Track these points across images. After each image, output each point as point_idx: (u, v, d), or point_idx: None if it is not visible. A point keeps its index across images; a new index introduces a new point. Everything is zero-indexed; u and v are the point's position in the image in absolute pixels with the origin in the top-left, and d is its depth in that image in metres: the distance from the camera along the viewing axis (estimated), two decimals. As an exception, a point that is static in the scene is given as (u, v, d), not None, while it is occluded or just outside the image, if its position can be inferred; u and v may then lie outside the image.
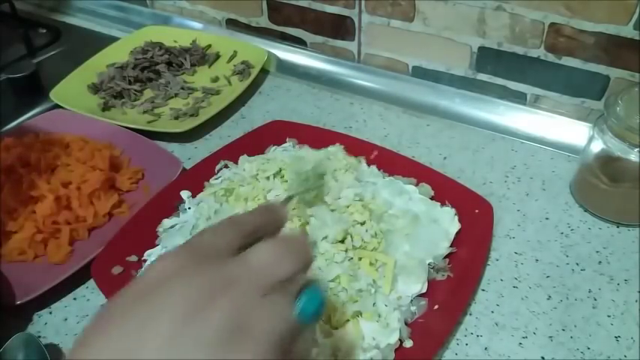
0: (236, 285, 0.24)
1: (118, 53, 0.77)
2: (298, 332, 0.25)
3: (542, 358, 0.42)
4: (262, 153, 0.57)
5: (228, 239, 0.27)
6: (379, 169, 0.55)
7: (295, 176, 0.44)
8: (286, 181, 0.52)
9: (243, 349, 0.23)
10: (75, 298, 0.47)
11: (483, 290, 0.47)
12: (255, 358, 0.23)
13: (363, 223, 0.47)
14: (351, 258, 0.45)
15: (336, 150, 0.56)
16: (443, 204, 0.51)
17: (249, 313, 0.24)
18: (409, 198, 0.51)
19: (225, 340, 0.23)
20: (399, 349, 0.41)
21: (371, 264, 0.45)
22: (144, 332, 0.23)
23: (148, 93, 0.72)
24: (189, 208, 0.51)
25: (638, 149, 0.48)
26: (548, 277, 0.48)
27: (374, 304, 0.42)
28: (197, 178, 0.55)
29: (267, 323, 0.24)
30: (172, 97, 0.71)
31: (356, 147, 0.57)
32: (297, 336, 0.25)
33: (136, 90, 0.71)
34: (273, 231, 0.30)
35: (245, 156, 0.56)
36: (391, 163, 0.55)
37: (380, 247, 0.46)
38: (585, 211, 0.54)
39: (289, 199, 0.36)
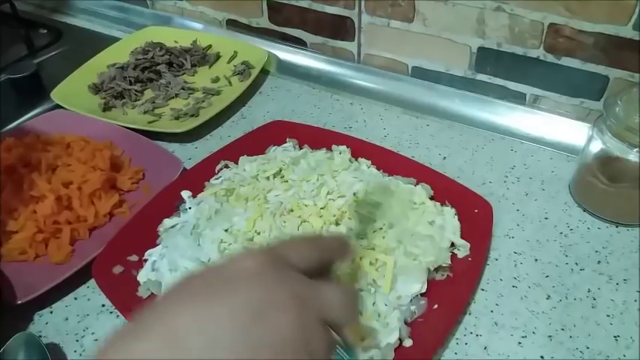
0: (305, 305, 0.27)
1: (118, 54, 0.77)
2: None
3: (542, 357, 0.42)
4: (262, 153, 0.58)
5: (309, 259, 0.30)
6: (379, 169, 0.55)
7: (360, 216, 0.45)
8: (287, 181, 0.52)
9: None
10: (76, 298, 0.48)
11: (483, 290, 0.47)
12: None
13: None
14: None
15: (342, 150, 0.56)
16: (442, 204, 0.51)
17: (311, 333, 0.27)
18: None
19: (287, 350, 0.25)
20: (399, 349, 0.41)
21: (371, 263, 0.45)
22: (211, 334, 0.24)
23: (149, 93, 0.72)
24: (189, 208, 0.51)
25: (637, 149, 0.48)
26: (547, 276, 0.48)
27: (374, 303, 0.42)
28: (197, 178, 0.55)
29: (322, 350, 0.27)
30: (173, 98, 0.71)
31: (356, 147, 0.57)
32: None
33: (136, 90, 0.71)
34: (342, 261, 0.33)
35: (245, 156, 0.57)
36: (391, 163, 0.56)
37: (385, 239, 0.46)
38: (584, 211, 0.54)
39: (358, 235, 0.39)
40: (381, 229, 0.47)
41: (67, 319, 0.46)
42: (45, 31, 0.86)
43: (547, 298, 0.46)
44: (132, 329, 0.25)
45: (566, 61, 0.61)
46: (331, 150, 0.57)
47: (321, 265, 0.31)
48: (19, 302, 0.45)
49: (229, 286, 0.26)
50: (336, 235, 0.37)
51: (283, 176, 0.53)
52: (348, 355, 0.30)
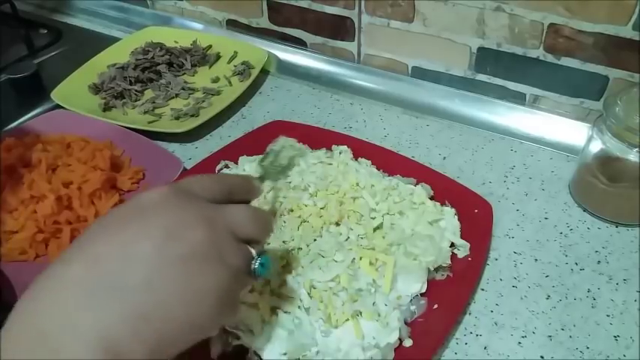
0: (214, 224, 0.30)
1: (118, 54, 0.77)
2: (248, 281, 0.33)
3: (542, 357, 0.42)
4: (262, 153, 0.58)
5: (212, 190, 0.32)
6: (379, 169, 0.55)
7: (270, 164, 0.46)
8: (289, 181, 0.52)
9: (213, 271, 0.29)
10: (76, 298, 0.48)
11: (483, 290, 0.47)
12: (219, 281, 0.29)
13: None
14: (350, 249, 0.45)
15: (342, 150, 0.56)
16: (442, 204, 0.51)
17: (223, 246, 0.30)
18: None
19: (199, 259, 0.28)
20: (399, 349, 0.41)
21: (371, 263, 0.45)
22: (127, 253, 0.27)
23: (149, 93, 0.72)
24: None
25: (637, 149, 0.48)
26: (547, 276, 0.48)
27: (374, 303, 0.42)
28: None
29: (236, 259, 0.30)
30: (173, 98, 0.71)
31: (356, 147, 0.57)
32: (245, 283, 0.33)
33: (136, 90, 0.71)
34: (247, 199, 0.36)
35: (245, 156, 0.57)
36: (391, 163, 0.56)
37: (385, 239, 0.46)
38: (584, 211, 0.54)
39: (262, 179, 0.40)
40: (381, 228, 0.47)
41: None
42: (45, 31, 0.86)
43: (547, 298, 0.46)
44: (60, 258, 0.28)
45: (566, 61, 0.61)
46: (331, 150, 0.57)
47: (225, 198, 0.33)
48: (20, 302, 0.44)
49: (140, 214, 0.29)
50: (243, 175, 0.40)
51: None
52: (267, 265, 0.33)
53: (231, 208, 0.32)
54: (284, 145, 0.48)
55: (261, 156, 0.47)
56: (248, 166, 0.55)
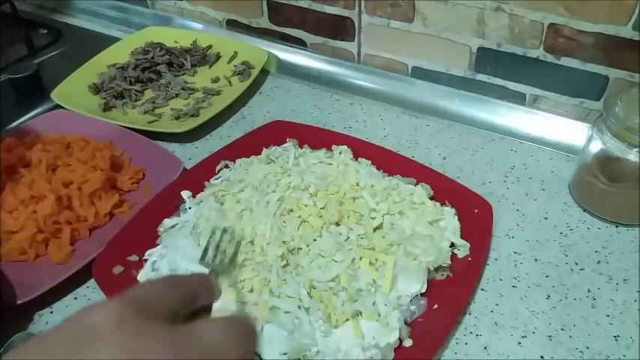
0: (183, 352, 0.23)
1: (118, 54, 0.77)
2: None
3: (542, 357, 0.42)
4: (261, 153, 0.58)
5: (173, 301, 0.26)
6: (379, 169, 0.55)
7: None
8: (288, 182, 0.52)
9: None
10: (76, 298, 0.48)
11: (483, 290, 0.47)
12: None
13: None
14: (350, 249, 0.45)
15: (342, 150, 0.56)
16: (442, 204, 0.51)
17: None
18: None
19: None
20: (399, 349, 0.41)
21: (371, 263, 0.45)
22: None
23: (149, 93, 0.72)
24: (189, 208, 0.51)
25: (636, 149, 0.48)
26: (547, 276, 0.48)
27: (374, 303, 0.42)
28: (197, 178, 0.55)
29: None
30: (173, 98, 0.71)
31: (356, 147, 0.57)
32: None
33: (136, 90, 0.71)
34: (209, 302, 0.30)
35: (244, 158, 0.56)
36: (391, 163, 0.56)
37: (385, 238, 0.46)
38: (584, 211, 0.54)
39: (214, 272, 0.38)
40: (381, 228, 0.47)
41: (67, 319, 0.46)
42: (45, 31, 0.86)
43: (547, 298, 0.46)
44: None
45: (566, 61, 0.61)
46: (331, 150, 0.57)
47: (188, 308, 0.28)
48: (20, 302, 0.45)
49: (88, 344, 0.22)
50: (199, 274, 0.34)
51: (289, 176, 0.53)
52: None
53: (206, 329, 0.25)
54: (217, 233, 0.43)
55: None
56: (249, 167, 0.55)
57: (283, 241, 0.46)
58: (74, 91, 0.70)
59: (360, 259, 0.45)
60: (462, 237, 0.48)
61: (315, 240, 0.46)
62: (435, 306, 0.44)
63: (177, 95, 0.71)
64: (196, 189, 0.53)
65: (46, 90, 0.70)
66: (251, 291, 0.43)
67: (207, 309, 0.30)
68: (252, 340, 0.27)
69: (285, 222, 0.48)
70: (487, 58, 0.66)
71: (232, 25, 0.83)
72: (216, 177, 0.55)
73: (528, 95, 0.66)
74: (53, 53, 0.81)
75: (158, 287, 0.27)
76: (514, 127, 0.64)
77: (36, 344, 0.24)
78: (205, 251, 0.41)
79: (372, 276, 0.44)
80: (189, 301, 0.28)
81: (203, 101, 0.69)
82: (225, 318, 0.27)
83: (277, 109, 0.69)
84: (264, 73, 0.75)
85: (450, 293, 0.45)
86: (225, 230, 0.44)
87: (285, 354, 0.39)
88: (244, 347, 0.26)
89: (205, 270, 0.39)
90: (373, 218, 0.48)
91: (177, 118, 0.66)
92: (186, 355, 0.23)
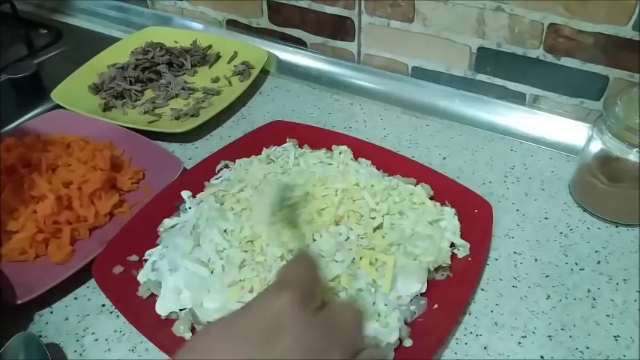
0: (340, 343, 0.29)
1: (118, 54, 0.77)
2: None
3: (542, 357, 0.42)
4: (261, 153, 0.58)
5: (312, 284, 0.31)
6: (379, 169, 0.55)
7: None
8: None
9: None
10: (76, 298, 0.48)
11: (483, 290, 0.47)
12: None
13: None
14: (350, 249, 0.45)
15: (342, 150, 0.56)
16: (442, 204, 0.51)
17: None
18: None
19: None
20: (399, 349, 0.41)
21: (371, 263, 0.45)
22: None
23: (149, 93, 0.72)
24: (189, 208, 0.51)
25: (636, 149, 0.48)
26: (547, 276, 0.48)
27: (374, 303, 0.42)
28: (197, 178, 0.55)
29: None
30: (173, 98, 0.71)
31: (356, 147, 0.57)
32: None
33: (136, 90, 0.71)
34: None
35: (244, 159, 0.56)
36: (391, 163, 0.56)
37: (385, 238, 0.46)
38: (584, 211, 0.54)
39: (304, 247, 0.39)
40: (381, 228, 0.47)
41: (67, 319, 0.46)
42: (45, 31, 0.86)
43: (547, 298, 0.46)
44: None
45: (566, 61, 0.61)
46: (331, 150, 0.57)
47: (319, 285, 0.32)
48: (20, 302, 0.45)
49: (274, 339, 0.26)
50: (303, 252, 0.36)
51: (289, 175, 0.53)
52: None
53: (344, 315, 0.31)
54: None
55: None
56: (249, 167, 0.54)
57: (283, 241, 0.46)
58: (74, 91, 0.70)
59: (360, 259, 0.45)
60: (462, 237, 0.48)
61: (315, 240, 0.46)
62: (435, 306, 0.44)
63: (177, 95, 0.71)
64: (196, 189, 0.53)
65: (46, 90, 0.70)
66: (251, 291, 0.43)
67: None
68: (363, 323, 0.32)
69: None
70: (487, 58, 0.66)
71: (232, 25, 0.83)
72: (216, 177, 0.55)
73: (528, 95, 0.66)
74: (53, 53, 0.81)
75: (301, 271, 0.31)
76: (514, 127, 0.64)
77: (215, 330, 0.28)
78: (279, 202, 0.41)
79: (372, 276, 0.44)
80: (319, 280, 0.32)
81: (203, 101, 0.69)
82: (349, 303, 0.35)
83: (277, 109, 0.69)
84: (264, 73, 0.75)
85: (450, 293, 0.45)
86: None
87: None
88: (362, 327, 0.31)
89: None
90: (373, 218, 0.48)
91: (177, 118, 0.66)
92: (345, 340, 0.29)
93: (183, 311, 0.43)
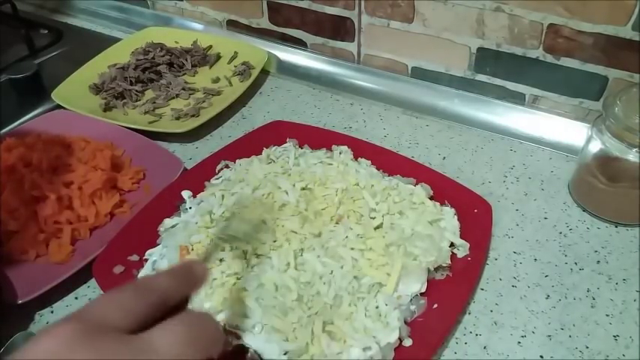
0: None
1: (119, 54, 0.77)
2: None
3: (541, 357, 0.42)
4: (261, 153, 0.58)
5: (136, 312, 0.25)
6: (379, 169, 0.55)
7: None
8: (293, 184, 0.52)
9: None
10: (76, 297, 0.48)
11: (482, 289, 0.47)
12: None
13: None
14: (352, 248, 0.45)
15: (342, 150, 0.57)
16: (442, 204, 0.51)
17: None
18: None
19: None
20: (399, 348, 0.41)
21: (370, 263, 0.45)
22: None
23: (150, 93, 0.72)
24: (190, 208, 0.51)
25: (636, 149, 0.48)
26: (546, 276, 0.48)
27: (374, 303, 0.42)
28: (198, 178, 0.55)
29: None
30: (173, 98, 0.71)
31: (356, 147, 0.57)
32: None
33: (137, 90, 0.71)
34: (187, 296, 0.29)
35: (245, 159, 0.56)
36: (391, 163, 0.56)
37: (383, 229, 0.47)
38: (584, 210, 0.54)
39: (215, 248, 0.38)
40: (381, 228, 0.48)
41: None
42: (46, 31, 0.86)
43: (546, 298, 0.46)
44: None
45: (566, 62, 0.61)
46: (331, 150, 0.57)
47: (158, 313, 0.26)
48: (20, 302, 0.45)
49: None
50: (183, 264, 0.31)
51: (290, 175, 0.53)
52: None
53: (159, 336, 0.24)
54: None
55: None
56: (250, 167, 0.55)
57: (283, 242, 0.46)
58: (75, 91, 0.70)
59: (360, 259, 0.45)
60: (461, 237, 0.49)
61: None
62: (435, 306, 0.44)
63: (177, 95, 0.71)
64: (197, 189, 0.54)
65: (46, 90, 0.70)
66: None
67: (186, 300, 0.29)
68: (210, 339, 0.26)
69: (284, 223, 0.48)
70: (487, 59, 0.66)
71: (232, 25, 0.83)
72: (216, 177, 0.55)
73: (528, 95, 0.66)
74: (54, 53, 0.81)
75: (118, 300, 0.25)
76: (514, 127, 0.64)
77: None
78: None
79: (372, 276, 0.44)
80: (155, 307, 0.26)
81: (203, 101, 0.69)
82: (181, 320, 0.26)
83: (277, 110, 0.70)
84: (264, 73, 0.76)
85: (449, 293, 0.45)
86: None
87: (285, 354, 0.39)
88: (201, 348, 0.25)
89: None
90: (373, 218, 0.48)
91: (177, 118, 0.66)
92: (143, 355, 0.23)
93: (184, 311, 0.43)
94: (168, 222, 0.51)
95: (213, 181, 0.55)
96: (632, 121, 0.47)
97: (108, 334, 0.24)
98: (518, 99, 0.67)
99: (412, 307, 0.44)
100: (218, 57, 0.78)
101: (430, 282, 0.45)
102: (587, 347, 0.43)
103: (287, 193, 0.50)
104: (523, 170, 0.59)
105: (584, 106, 0.63)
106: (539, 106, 0.66)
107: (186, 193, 0.53)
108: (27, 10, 0.91)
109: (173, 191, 0.53)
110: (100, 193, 0.53)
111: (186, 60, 0.76)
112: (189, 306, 0.29)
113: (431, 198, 0.52)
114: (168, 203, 0.53)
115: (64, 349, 0.22)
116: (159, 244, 0.49)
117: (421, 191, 0.51)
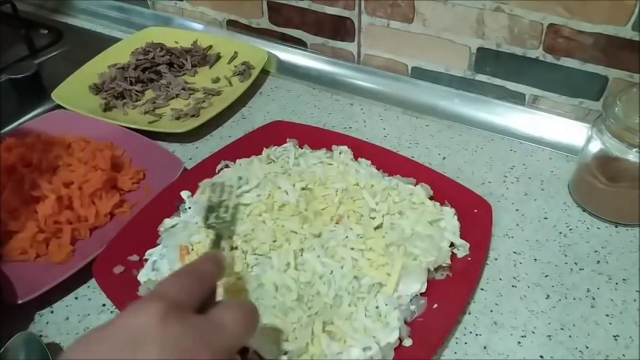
0: (216, 348, 0.28)
1: (119, 54, 0.77)
2: None
3: (541, 357, 0.42)
4: (261, 153, 0.58)
5: (198, 293, 0.30)
6: (379, 169, 0.55)
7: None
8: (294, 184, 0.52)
9: None
10: (76, 298, 0.48)
11: (482, 289, 0.47)
12: None
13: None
14: (352, 248, 0.45)
15: (342, 150, 0.57)
16: (442, 204, 0.51)
17: None
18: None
19: None
20: (399, 348, 0.41)
21: (370, 263, 0.45)
22: None
23: (150, 93, 0.72)
24: (189, 208, 0.51)
25: (636, 149, 0.48)
26: (546, 276, 0.48)
27: (374, 303, 0.42)
28: (198, 178, 0.55)
29: None
30: (173, 98, 0.71)
31: (356, 147, 0.57)
32: None
33: (137, 90, 0.71)
34: (220, 279, 0.34)
35: (245, 159, 0.56)
36: (391, 163, 0.56)
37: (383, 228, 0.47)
38: (584, 210, 0.54)
39: (217, 242, 0.41)
40: (381, 228, 0.48)
41: (67, 318, 0.46)
42: (46, 31, 0.86)
43: (546, 298, 0.46)
44: None
45: (566, 62, 0.61)
46: (331, 150, 0.57)
47: (208, 294, 0.32)
48: (20, 302, 0.45)
49: (138, 350, 0.26)
50: (206, 255, 0.36)
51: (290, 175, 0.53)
52: None
53: (222, 316, 0.29)
54: (216, 192, 0.48)
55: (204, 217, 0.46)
56: (250, 167, 0.55)
57: (283, 242, 0.46)
58: (75, 91, 0.70)
59: (360, 259, 0.45)
60: (461, 237, 0.49)
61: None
62: (435, 306, 0.44)
63: (177, 95, 0.71)
64: (196, 189, 0.53)
65: (46, 90, 0.70)
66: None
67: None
68: (257, 320, 0.31)
69: (284, 223, 0.48)
70: (487, 59, 0.66)
71: (232, 25, 0.83)
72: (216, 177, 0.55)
73: (528, 95, 0.66)
74: (54, 53, 0.81)
75: (182, 282, 0.30)
76: (513, 127, 0.64)
77: (83, 352, 0.26)
78: (208, 211, 0.45)
79: (372, 276, 0.44)
80: (209, 289, 0.31)
81: (203, 101, 0.69)
82: (236, 302, 0.32)
83: (277, 110, 0.70)
84: (264, 73, 0.76)
85: (449, 293, 0.45)
86: (216, 184, 0.47)
87: (285, 354, 0.39)
88: (253, 327, 0.31)
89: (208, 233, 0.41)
90: (373, 218, 0.48)
91: (177, 119, 0.66)
92: (216, 349, 0.27)
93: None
94: (168, 222, 0.51)
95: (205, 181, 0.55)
96: (632, 121, 0.47)
97: (187, 311, 0.28)
98: (518, 99, 0.67)
99: (412, 307, 0.44)
100: (218, 57, 0.78)
101: (430, 282, 0.45)
102: (587, 347, 0.43)
103: (287, 193, 0.50)
104: (523, 170, 0.59)
105: (584, 106, 0.63)
106: (539, 106, 0.66)
107: (185, 194, 0.53)
108: (27, 10, 0.91)
109: (173, 191, 0.53)
110: (100, 193, 0.53)
111: (186, 60, 0.76)
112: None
113: (431, 198, 0.52)
114: (168, 203, 0.53)
115: (158, 323, 0.26)
116: (159, 244, 0.49)
117: (421, 191, 0.51)
